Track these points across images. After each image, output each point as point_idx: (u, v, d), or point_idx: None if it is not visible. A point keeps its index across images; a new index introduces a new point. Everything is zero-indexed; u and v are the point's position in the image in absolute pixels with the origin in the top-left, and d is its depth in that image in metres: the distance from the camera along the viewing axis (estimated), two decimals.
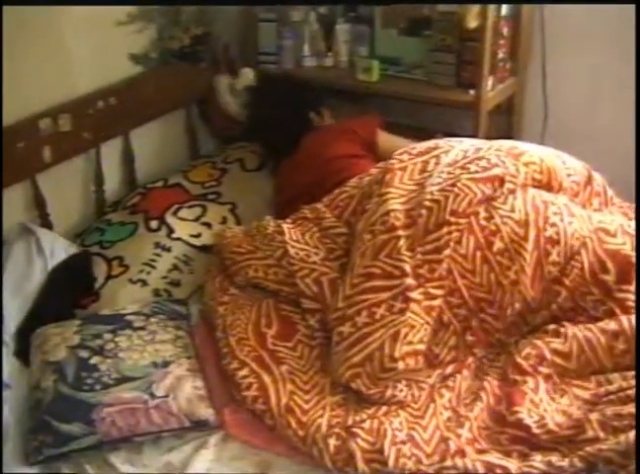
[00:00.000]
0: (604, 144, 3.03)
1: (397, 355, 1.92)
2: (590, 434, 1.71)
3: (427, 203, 2.05)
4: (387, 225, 2.07)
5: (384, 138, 2.64)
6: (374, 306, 1.99)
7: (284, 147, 2.73)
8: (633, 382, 1.80)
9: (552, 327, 1.96)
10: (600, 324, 1.90)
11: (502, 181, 2.09)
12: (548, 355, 1.90)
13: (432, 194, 2.07)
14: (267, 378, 1.98)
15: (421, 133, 3.16)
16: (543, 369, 1.90)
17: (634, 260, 1.96)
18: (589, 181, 2.27)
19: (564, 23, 2.98)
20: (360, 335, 1.97)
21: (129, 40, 2.72)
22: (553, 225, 2.02)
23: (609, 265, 1.96)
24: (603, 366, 1.89)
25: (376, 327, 1.96)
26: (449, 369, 2.00)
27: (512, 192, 2.09)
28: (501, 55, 2.87)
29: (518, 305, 1.99)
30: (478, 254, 2.01)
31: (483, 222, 2.03)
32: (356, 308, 2.00)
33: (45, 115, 2.41)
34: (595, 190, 2.28)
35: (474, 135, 2.79)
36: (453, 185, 2.07)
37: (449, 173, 2.12)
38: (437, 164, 2.19)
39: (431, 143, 2.32)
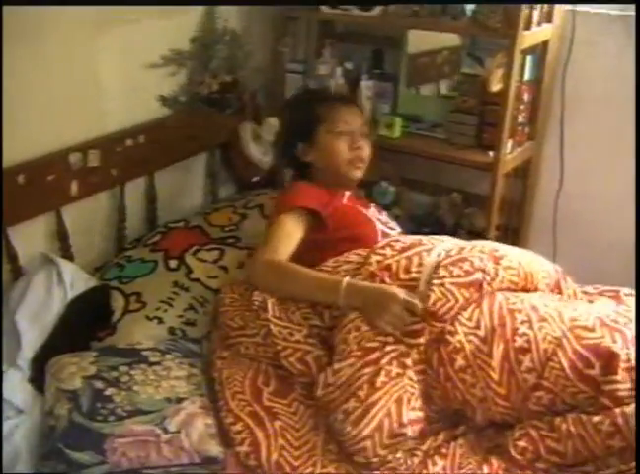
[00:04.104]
0: (619, 211, 3.08)
1: (405, 420, 1.93)
2: None
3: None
4: None
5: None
6: (374, 376, 1.98)
7: None
8: (633, 464, 1.78)
9: (547, 418, 1.92)
10: (595, 420, 1.83)
11: (480, 286, 2.07)
12: (544, 453, 1.87)
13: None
14: (259, 433, 1.99)
15: (438, 191, 3.23)
16: (540, 465, 1.88)
17: (617, 350, 1.89)
18: (557, 285, 2.26)
19: (583, 90, 3.05)
20: (365, 407, 1.95)
21: (161, 83, 2.78)
22: (523, 335, 1.96)
23: (592, 359, 1.89)
24: (601, 458, 1.85)
25: (379, 395, 1.95)
26: (442, 436, 2.01)
27: (479, 302, 2.07)
28: (520, 119, 2.93)
29: (494, 415, 1.98)
30: (441, 370, 2.00)
31: (449, 337, 2.01)
32: (357, 384, 1.99)
33: (76, 149, 2.47)
34: (562, 292, 2.28)
35: (490, 196, 2.85)
36: (440, 286, 2.06)
37: (436, 275, 2.09)
38: (420, 264, 2.14)
39: (414, 239, 2.27)
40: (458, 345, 1.99)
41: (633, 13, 2.88)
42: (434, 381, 2.01)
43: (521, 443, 1.90)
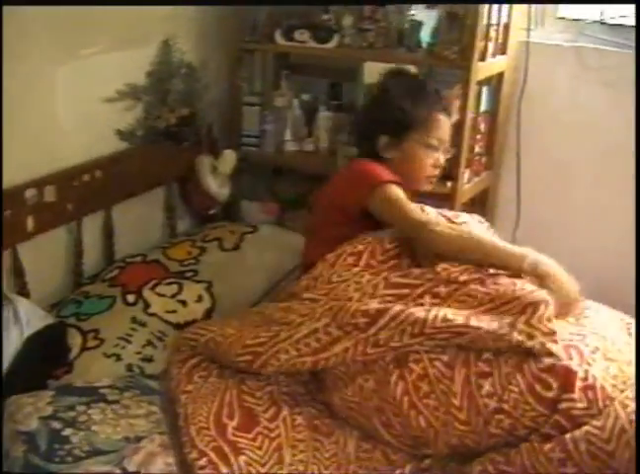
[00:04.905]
0: (576, 238, 3.11)
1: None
2: None
3: None
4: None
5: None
6: None
7: None
8: None
9: (504, 450, 1.90)
10: (546, 449, 1.82)
11: None
12: None
13: None
14: (224, 469, 1.95)
15: None
16: None
17: (574, 367, 1.88)
18: None
19: (538, 120, 3.10)
20: None
21: (117, 117, 2.77)
22: (485, 360, 1.96)
23: (550, 380, 1.88)
24: None
25: None
26: (408, 470, 2.00)
27: None
28: (477, 149, 2.96)
29: (455, 441, 1.97)
30: (405, 399, 1.99)
31: (412, 365, 2.01)
32: None
33: (31, 185, 2.44)
34: None
35: None
36: None
37: None
38: None
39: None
40: (422, 372, 1.98)
41: (584, 44, 2.94)
42: (396, 409, 2.00)
43: None
